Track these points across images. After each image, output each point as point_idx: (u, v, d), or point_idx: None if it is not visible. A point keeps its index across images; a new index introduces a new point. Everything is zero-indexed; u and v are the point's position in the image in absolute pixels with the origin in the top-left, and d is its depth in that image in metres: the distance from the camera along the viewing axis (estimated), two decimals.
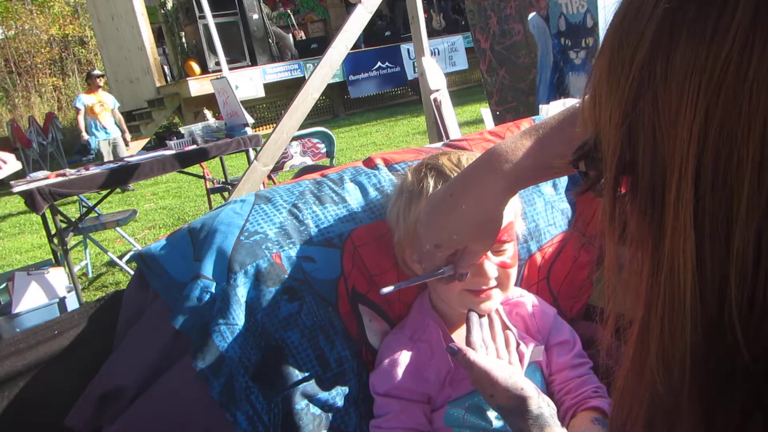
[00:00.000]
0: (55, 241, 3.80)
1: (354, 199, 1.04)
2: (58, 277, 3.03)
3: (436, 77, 2.91)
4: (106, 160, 7.47)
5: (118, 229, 4.51)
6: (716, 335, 0.32)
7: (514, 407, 0.78)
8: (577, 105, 0.81)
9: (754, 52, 0.30)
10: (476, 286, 0.90)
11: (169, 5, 10.85)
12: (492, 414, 0.91)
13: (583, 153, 0.41)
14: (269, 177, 4.11)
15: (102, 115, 8.36)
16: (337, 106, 12.88)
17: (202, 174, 5.31)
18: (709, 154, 0.31)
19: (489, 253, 0.89)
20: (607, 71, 0.38)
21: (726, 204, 0.31)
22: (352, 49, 2.71)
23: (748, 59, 0.30)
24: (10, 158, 3.66)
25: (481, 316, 0.90)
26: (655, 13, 0.34)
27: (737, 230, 0.31)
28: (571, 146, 0.43)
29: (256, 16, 10.84)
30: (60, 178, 3.66)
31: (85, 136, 8.36)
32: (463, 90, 12.32)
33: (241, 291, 0.93)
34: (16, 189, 3.58)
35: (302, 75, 10.86)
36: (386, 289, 0.85)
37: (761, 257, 0.30)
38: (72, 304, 2.96)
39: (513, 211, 0.93)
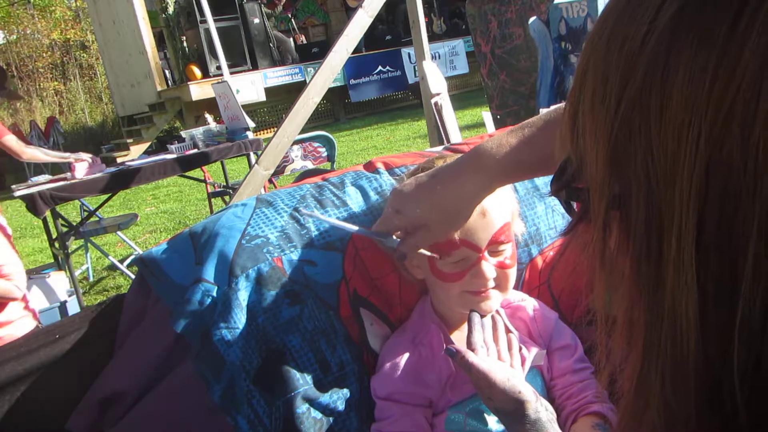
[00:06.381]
0: (56, 245, 3.79)
1: (355, 202, 1.04)
2: (59, 281, 3.03)
3: (436, 81, 2.91)
4: None
5: (119, 233, 4.51)
6: (720, 396, 0.31)
7: (512, 411, 0.77)
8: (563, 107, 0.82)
9: (760, 105, 0.27)
10: (475, 288, 0.90)
11: (171, 9, 10.87)
12: (493, 419, 0.91)
13: (562, 183, 0.40)
14: (270, 181, 4.11)
15: None
16: (338, 110, 12.88)
17: (203, 178, 5.31)
18: (711, 211, 0.29)
19: (486, 254, 0.89)
20: (591, 105, 0.34)
21: (731, 265, 0.29)
22: (352, 53, 2.71)
23: (754, 112, 0.27)
24: (87, 158, 3.78)
25: (482, 315, 0.90)
26: (646, 46, 0.31)
27: (742, 296, 0.28)
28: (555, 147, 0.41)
29: (257, 21, 10.85)
30: (61, 183, 3.66)
31: None
32: (463, 94, 12.32)
33: (243, 295, 0.93)
34: (18, 193, 3.57)
35: (303, 79, 10.86)
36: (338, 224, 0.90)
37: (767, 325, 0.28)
38: (73, 308, 2.96)
39: (510, 212, 0.93)
